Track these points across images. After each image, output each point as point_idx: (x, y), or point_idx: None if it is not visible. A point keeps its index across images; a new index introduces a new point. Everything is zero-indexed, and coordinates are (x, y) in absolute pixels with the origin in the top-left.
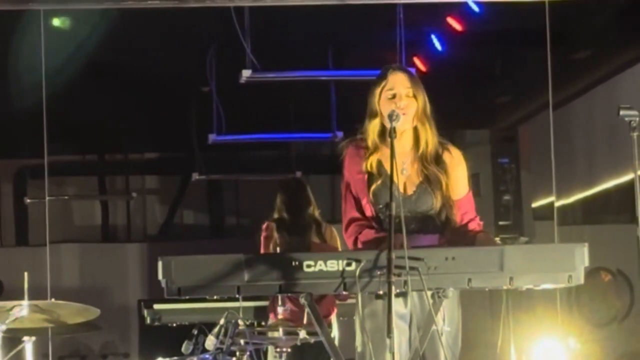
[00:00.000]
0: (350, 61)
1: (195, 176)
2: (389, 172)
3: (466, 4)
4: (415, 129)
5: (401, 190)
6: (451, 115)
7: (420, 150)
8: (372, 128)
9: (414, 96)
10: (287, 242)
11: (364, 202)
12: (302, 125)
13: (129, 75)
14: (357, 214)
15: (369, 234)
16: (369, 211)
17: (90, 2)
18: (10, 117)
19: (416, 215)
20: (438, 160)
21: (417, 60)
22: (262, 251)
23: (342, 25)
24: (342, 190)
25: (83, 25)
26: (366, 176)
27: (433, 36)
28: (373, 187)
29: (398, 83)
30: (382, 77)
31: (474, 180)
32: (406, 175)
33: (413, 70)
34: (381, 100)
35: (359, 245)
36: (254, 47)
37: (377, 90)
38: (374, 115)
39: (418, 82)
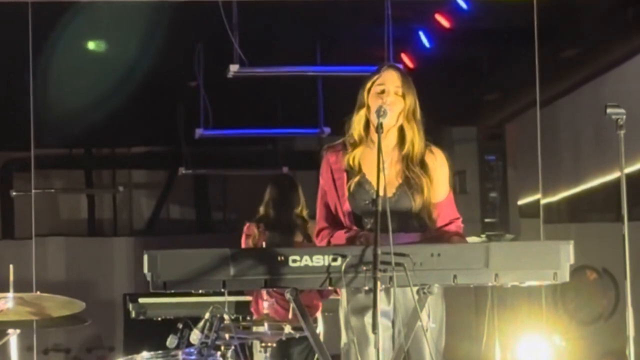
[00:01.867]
0: (337, 57)
1: (182, 171)
2: (366, 172)
3: (454, 1)
4: (401, 130)
5: (381, 192)
6: (438, 112)
7: (405, 151)
8: (358, 119)
9: (403, 95)
10: (269, 238)
11: (345, 206)
12: (289, 120)
13: (116, 69)
14: (326, 224)
15: (340, 235)
16: (348, 207)
17: None
18: None
19: (396, 213)
20: (422, 163)
21: (404, 57)
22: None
23: (330, 21)
24: (317, 197)
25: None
26: (345, 174)
27: (421, 33)
28: (350, 183)
29: (389, 80)
30: (376, 72)
31: (461, 177)
32: (385, 176)
33: (400, 66)
34: (370, 94)
35: None
36: (241, 42)
37: (368, 84)
38: (361, 107)
39: (410, 83)
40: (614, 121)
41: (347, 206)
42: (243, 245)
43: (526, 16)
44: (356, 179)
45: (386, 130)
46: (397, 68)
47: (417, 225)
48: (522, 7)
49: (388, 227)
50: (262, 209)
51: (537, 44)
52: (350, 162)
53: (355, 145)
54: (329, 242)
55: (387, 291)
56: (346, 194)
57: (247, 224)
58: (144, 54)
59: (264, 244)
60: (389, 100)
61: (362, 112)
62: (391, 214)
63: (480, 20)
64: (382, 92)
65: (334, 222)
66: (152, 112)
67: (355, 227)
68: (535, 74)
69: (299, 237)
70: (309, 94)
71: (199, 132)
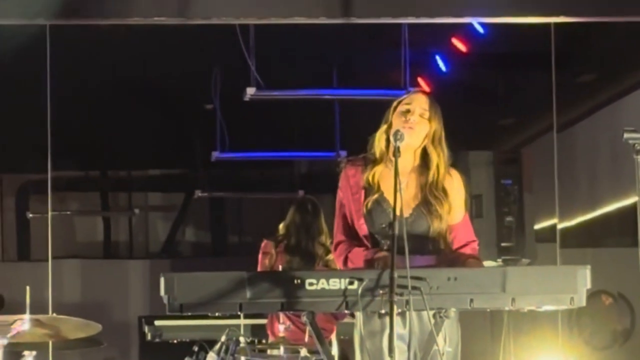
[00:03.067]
0: (354, 80)
1: (198, 193)
2: (385, 191)
3: (471, 25)
4: (424, 153)
5: (397, 212)
6: (454, 136)
7: (430, 177)
8: (379, 136)
9: (429, 119)
10: (287, 262)
11: (360, 222)
12: (305, 143)
13: (133, 93)
14: (343, 237)
15: (358, 252)
16: (364, 230)
17: (97, 19)
18: (14, 132)
19: (411, 236)
20: (443, 188)
21: (421, 81)
22: (258, 268)
23: (346, 44)
24: (335, 210)
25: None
26: (363, 192)
27: (437, 57)
28: (368, 200)
29: (416, 101)
30: (406, 93)
31: (477, 201)
32: (402, 196)
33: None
34: (396, 112)
35: (349, 264)
36: (258, 65)
37: (395, 103)
38: (384, 123)
39: (437, 109)
40: (631, 146)
41: (362, 222)
42: (259, 263)
43: (543, 41)
44: (374, 197)
45: (408, 150)
46: (426, 93)
47: (432, 247)
48: (539, 31)
49: (405, 250)
50: (282, 229)
51: (554, 69)
52: (370, 180)
53: (375, 162)
54: (346, 258)
55: (402, 314)
56: (362, 209)
57: (265, 242)
58: (161, 76)
59: (280, 267)
60: (413, 119)
61: (384, 129)
62: (407, 235)
63: (496, 45)
64: (407, 111)
65: (351, 235)
66: (169, 134)
67: (369, 244)
68: (552, 98)
69: (319, 266)
70: (325, 117)
71: (215, 154)
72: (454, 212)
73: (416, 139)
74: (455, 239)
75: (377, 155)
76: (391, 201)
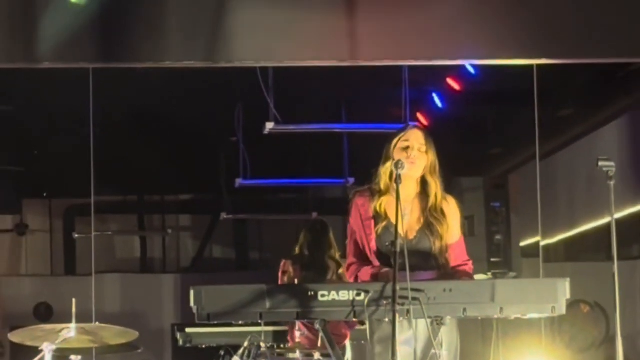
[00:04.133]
0: (361, 115)
1: (224, 216)
2: (392, 218)
3: (464, 66)
4: (423, 181)
5: (402, 234)
6: (449, 164)
7: (430, 202)
8: (385, 171)
9: (426, 152)
10: (303, 277)
11: (371, 245)
12: (318, 171)
13: (166, 126)
14: (355, 259)
15: (366, 271)
16: (374, 247)
17: (135, 62)
18: (61, 162)
19: (416, 253)
20: (441, 211)
21: (420, 116)
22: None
23: (353, 84)
24: (347, 235)
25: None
26: (372, 220)
27: (434, 94)
28: (378, 227)
29: (414, 137)
30: (402, 130)
31: (469, 221)
32: (407, 221)
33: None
34: (396, 148)
35: (359, 282)
36: (276, 102)
37: (395, 140)
38: (387, 160)
39: (431, 141)
40: (605, 173)
41: (373, 245)
42: (279, 279)
43: (527, 79)
44: (383, 224)
45: (410, 181)
46: (421, 128)
47: (434, 263)
48: (523, 71)
49: (406, 266)
50: (297, 249)
51: (537, 104)
52: (377, 209)
53: (381, 193)
54: (356, 276)
55: (410, 321)
56: (373, 234)
57: (284, 261)
58: (191, 112)
59: (296, 282)
60: (413, 155)
61: (389, 165)
62: (412, 253)
63: (486, 84)
64: (407, 147)
65: (361, 257)
66: (198, 163)
67: (378, 264)
68: (535, 130)
69: (332, 278)
70: (335, 148)
71: (238, 181)
72: (451, 232)
73: (417, 171)
74: (452, 257)
75: (382, 187)
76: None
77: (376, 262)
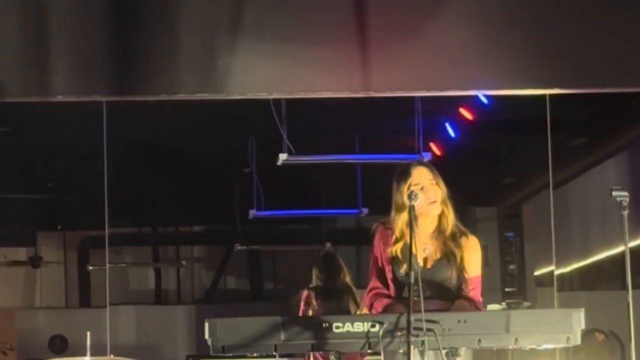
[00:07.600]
0: (374, 146)
1: (238, 247)
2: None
3: (476, 96)
4: (439, 215)
5: (421, 264)
6: (462, 194)
7: (448, 233)
8: (402, 219)
9: (437, 184)
10: (326, 307)
11: (389, 275)
12: (331, 202)
13: (180, 158)
14: (378, 284)
15: (381, 303)
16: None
17: (148, 94)
18: (76, 195)
19: (433, 283)
20: (455, 237)
21: (433, 146)
22: (300, 314)
23: (366, 115)
24: (370, 261)
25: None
26: (392, 260)
27: (447, 124)
28: (399, 269)
29: (421, 177)
30: (407, 174)
31: (483, 251)
32: (427, 253)
33: (429, 154)
34: (407, 195)
35: (373, 311)
36: (289, 133)
37: (404, 187)
38: (401, 209)
39: (436, 172)
40: (619, 202)
41: (391, 275)
42: (301, 310)
43: (539, 109)
44: (403, 266)
45: (426, 218)
46: (423, 163)
47: (451, 293)
48: (536, 101)
49: (420, 297)
50: (313, 283)
51: (550, 133)
52: (394, 253)
53: (397, 240)
54: (371, 305)
55: (422, 352)
56: (390, 275)
57: (306, 292)
58: (204, 144)
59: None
60: (431, 195)
61: (404, 213)
62: (429, 283)
63: (498, 113)
64: (421, 189)
65: (385, 281)
66: (211, 195)
67: (394, 295)
68: (549, 159)
69: (351, 304)
70: (348, 179)
71: (252, 212)
72: (469, 265)
73: (437, 207)
74: (471, 290)
75: (398, 234)
76: (419, 259)
77: (393, 290)
